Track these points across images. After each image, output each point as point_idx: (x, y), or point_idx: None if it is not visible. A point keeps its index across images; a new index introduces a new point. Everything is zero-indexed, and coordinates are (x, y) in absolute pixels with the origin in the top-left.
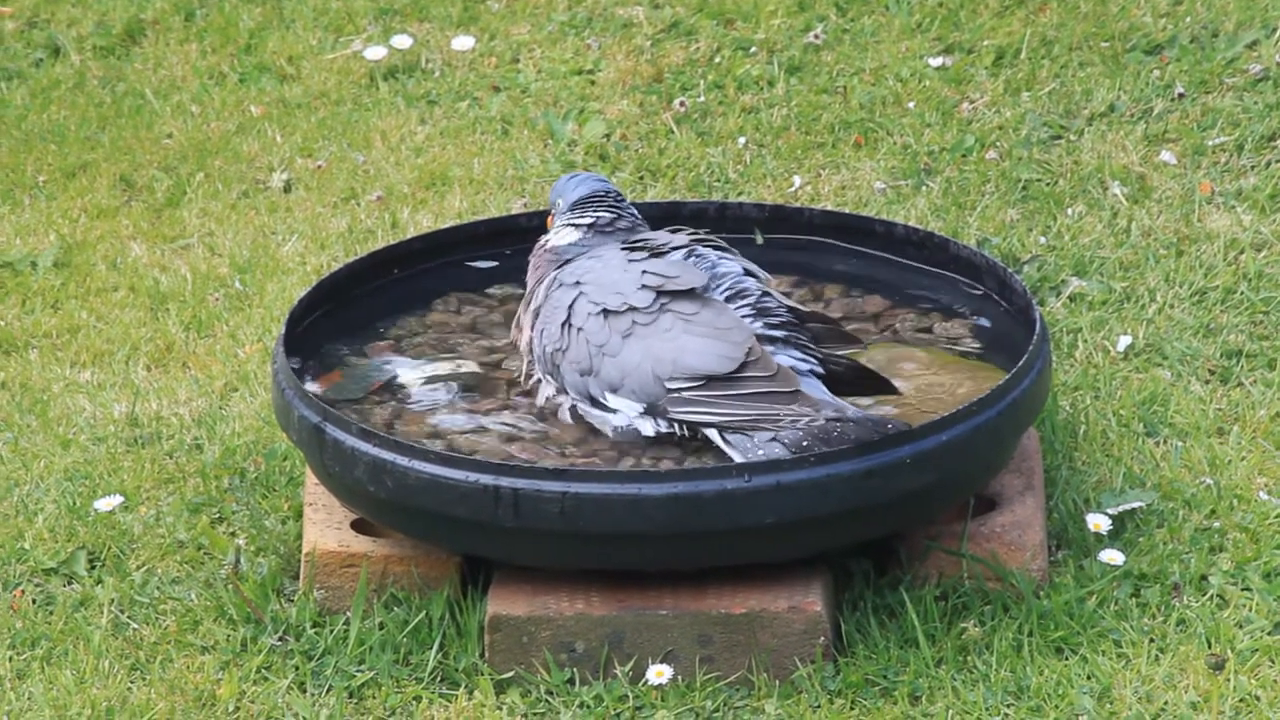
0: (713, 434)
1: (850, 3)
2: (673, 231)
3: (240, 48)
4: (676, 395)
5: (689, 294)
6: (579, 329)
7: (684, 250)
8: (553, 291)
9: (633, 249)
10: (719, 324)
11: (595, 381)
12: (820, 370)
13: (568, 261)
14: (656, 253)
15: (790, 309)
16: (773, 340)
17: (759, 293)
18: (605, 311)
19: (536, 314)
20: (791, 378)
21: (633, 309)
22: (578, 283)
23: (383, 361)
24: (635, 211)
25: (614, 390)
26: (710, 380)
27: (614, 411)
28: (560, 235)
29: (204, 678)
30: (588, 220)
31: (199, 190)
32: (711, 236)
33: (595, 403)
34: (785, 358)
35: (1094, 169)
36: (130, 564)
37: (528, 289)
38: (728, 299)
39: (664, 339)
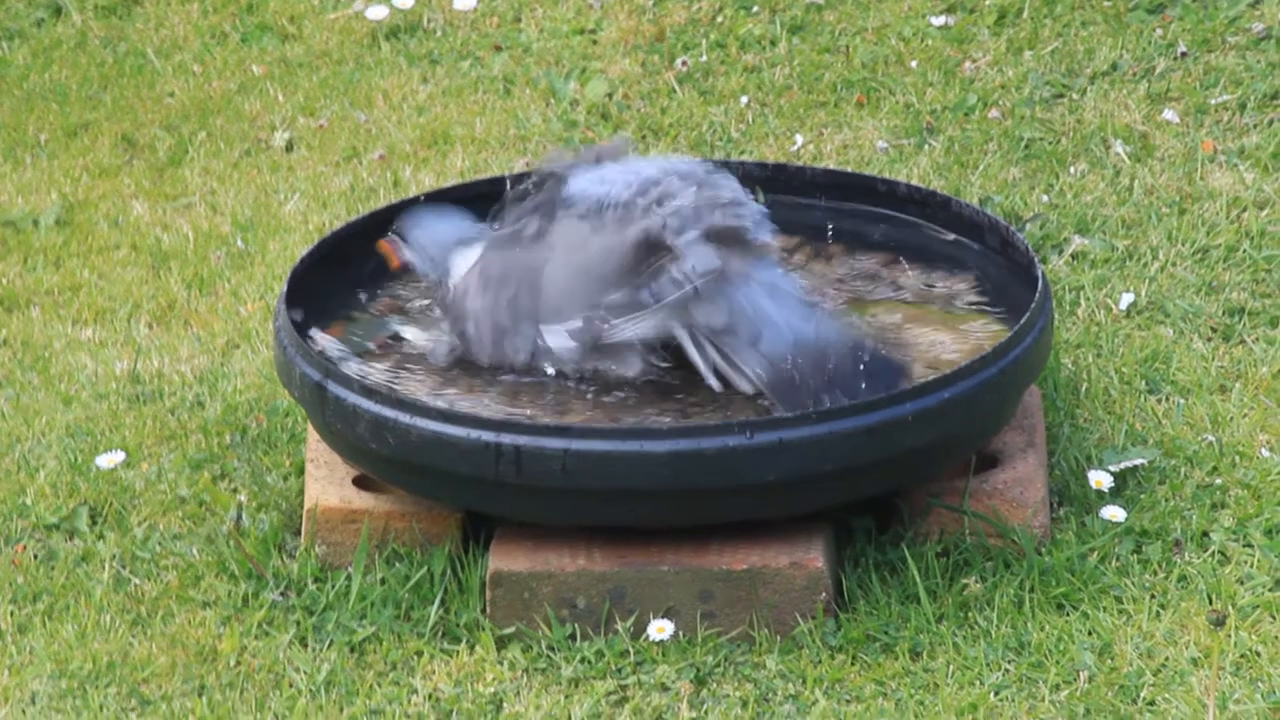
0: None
1: None
2: None
3: (242, 7)
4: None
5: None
6: (486, 272)
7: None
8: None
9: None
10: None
11: (528, 320)
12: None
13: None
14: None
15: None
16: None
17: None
18: (498, 241)
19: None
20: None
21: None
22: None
23: (385, 319)
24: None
25: (549, 319)
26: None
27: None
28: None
29: (205, 632)
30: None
31: (201, 149)
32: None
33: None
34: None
35: (1096, 127)
36: (132, 520)
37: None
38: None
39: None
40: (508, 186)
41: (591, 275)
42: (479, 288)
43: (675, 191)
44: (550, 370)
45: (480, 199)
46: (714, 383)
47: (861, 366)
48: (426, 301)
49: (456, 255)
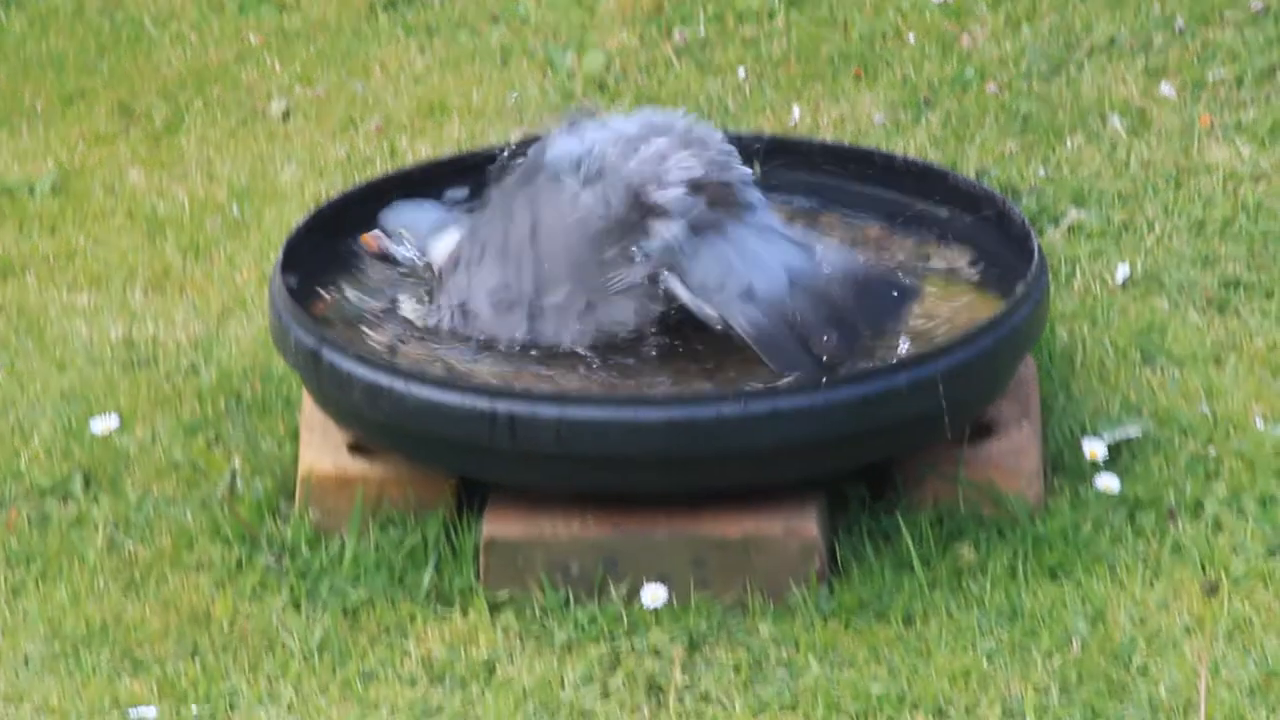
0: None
1: None
2: None
3: None
4: None
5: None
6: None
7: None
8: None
9: None
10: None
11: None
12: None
13: None
14: None
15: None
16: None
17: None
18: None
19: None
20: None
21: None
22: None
23: (381, 287)
24: None
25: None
26: None
27: None
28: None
29: (199, 596)
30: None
31: (197, 118)
32: None
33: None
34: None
35: (1094, 101)
36: (126, 484)
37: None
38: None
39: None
40: (498, 158)
41: (583, 239)
42: (471, 261)
43: (660, 148)
44: (549, 339)
45: (475, 169)
46: (717, 325)
47: (868, 296)
48: (421, 273)
49: (435, 237)
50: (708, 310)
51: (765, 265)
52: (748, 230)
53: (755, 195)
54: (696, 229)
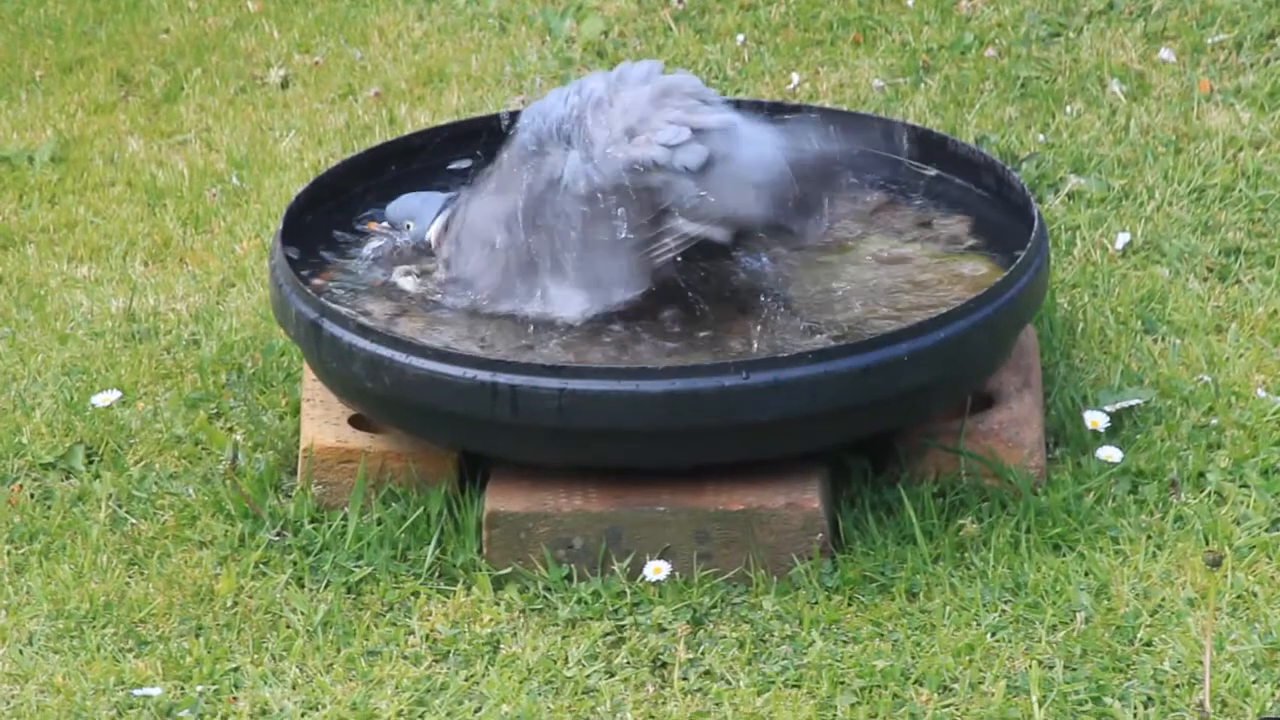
0: None
1: None
2: None
3: None
4: None
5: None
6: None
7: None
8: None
9: None
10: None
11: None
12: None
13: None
14: None
15: None
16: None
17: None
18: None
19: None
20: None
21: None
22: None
23: (380, 258)
24: None
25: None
26: None
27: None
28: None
29: (202, 572)
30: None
31: (196, 86)
32: None
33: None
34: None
35: (1093, 67)
36: (128, 459)
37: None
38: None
39: None
40: (497, 126)
41: (580, 201)
42: (463, 232)
43: (647, 99)
44: (552, 313)
45: (477, 137)
46: (726, 240)
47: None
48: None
49: (433, 217)
50: (716, 230)
51: (754, 188)
52: (732, 140)
53: (715, 96)
54: (691, 168)
